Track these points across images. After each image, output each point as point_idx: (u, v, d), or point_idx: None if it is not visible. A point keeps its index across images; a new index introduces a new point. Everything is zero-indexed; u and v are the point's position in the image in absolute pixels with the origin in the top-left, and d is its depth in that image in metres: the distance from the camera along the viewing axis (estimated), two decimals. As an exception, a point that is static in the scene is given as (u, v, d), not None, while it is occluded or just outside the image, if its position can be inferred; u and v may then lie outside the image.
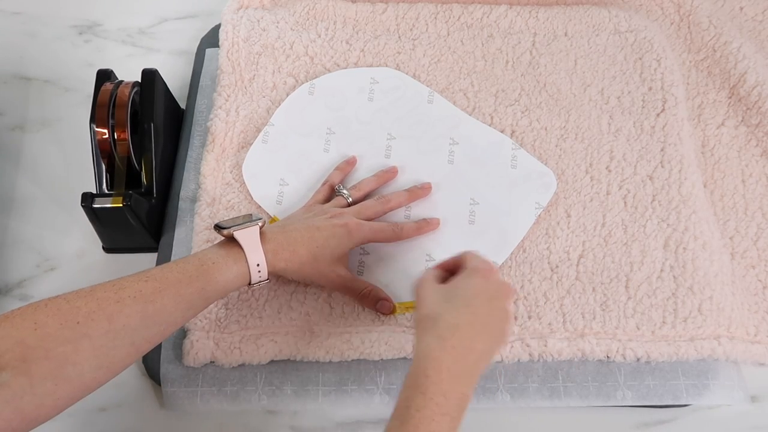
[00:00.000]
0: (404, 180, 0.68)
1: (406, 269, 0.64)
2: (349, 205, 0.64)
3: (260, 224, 0.55)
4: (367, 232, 0.61)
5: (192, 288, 0.51)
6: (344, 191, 0.64)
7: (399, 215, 0.66)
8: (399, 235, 0.63)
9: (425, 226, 0.65)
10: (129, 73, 0.69)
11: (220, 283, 0.52)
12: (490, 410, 0.60)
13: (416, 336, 0.49)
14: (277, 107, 0.72)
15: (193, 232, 0.65)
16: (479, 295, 0.50)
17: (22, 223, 0.70)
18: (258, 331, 0.60)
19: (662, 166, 0.68)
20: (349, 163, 0.68)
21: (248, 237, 0.54)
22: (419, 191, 0.67)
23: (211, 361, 0.60)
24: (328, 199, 0.65)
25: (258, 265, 0.54)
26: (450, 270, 0.54)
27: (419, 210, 0.67)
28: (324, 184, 0.66)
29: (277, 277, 0.61)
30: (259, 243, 0.54)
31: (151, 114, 0.65)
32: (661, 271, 0.63)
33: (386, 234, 0.62)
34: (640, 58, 0.75)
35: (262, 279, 0.55)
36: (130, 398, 0.61)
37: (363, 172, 0.69)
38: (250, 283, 0.55)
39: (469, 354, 0.48)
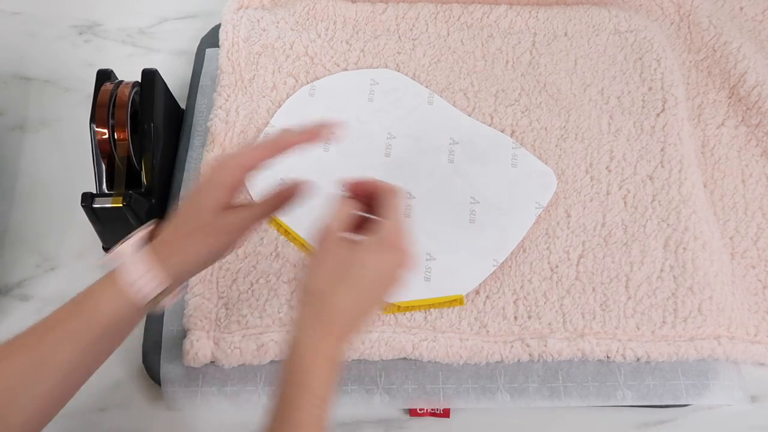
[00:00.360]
0: (404, 179, 0.68)
1: (406, 269, 0.64)
2: None
3: (143, 233, 0.48)
4: (239, 157, 0.50)
5: (75, 324, 0.45)
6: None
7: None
8: (277, 142, 0.52)
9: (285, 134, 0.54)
10: (129, 73, 0.69)
11: (102, 310, 0.45)
12: (490, 410, 0.60)
13: (298, 306, 0.44)
14: (277, 107, 0.72)
15: (193, 232, 0.65)
16: (381, 279, 0.45)
17: (22, 223, 0.70)
18: (258, 330, 0.60)
19: (662, 166, 0.68)
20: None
21: (122, 250, 0.47)
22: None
23: (211, 361, 0.60)
24: None
25: (140, 277, 0.45)
26: (364, 197, 0.48)
27: (419, 208, 0.67)
28: None
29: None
30: (133, 252, 0.47)
31: (151, 114, 0.65)
32: (661, 271, 0.63)
33: (257, 149, 0.51)
34: (640, 58, 0.75)
35: (156, 289, 0.46)
36: (130, 398, 0.61)
37: (363, 171, 0.69)
38: (148, 302, 0.46)
39: (350, 336, 0.45)
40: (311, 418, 0.42)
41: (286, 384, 0.43)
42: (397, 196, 0.48)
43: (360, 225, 0.48)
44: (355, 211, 0.48)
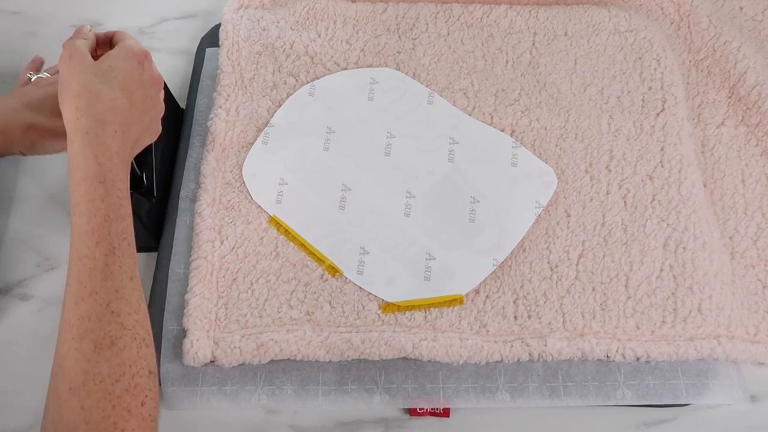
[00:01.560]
0: (404, 179, 0.68)
1: (406, 268, 0.64)
2: None
3: None
4: (64, 58, 0.52)
5: None
6: (43, 74, 0.59)
7: (400, 205, 0.66)
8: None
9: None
10: (129, 72, 0.68)
11: None
12: (490, 410, 0.60)
13: (67, 112, 0.46)
14: (277, 107, 0.72)
15: (193, 232, 0.65)
16: (134, 80, 0.49)
17: (22, 223, 0.70)
18: (258, 330, 0.60)
19: (662, 166, 0.68)
20: (35, 61, 0.63)
21: None
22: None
23: (211, 361, 0.60)
24: None
25: None
26: (101, 42, 0.53)
27: (419, 208, 0.67)
28: (18, 82, 0.61)
29: None
30: None
31: (151, 114, 0.65)
32: (661, 270, 0.63)
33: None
34: (640, 58, 0.75)
35: None
36: (130, 398, 0.61)
37: (363, 170, 0.69)
38: None
39: (127, 139, 0.48)
40: (116, 206, 0.46)
41: (78, 179, 0.45)
42: (121, 31, 0.54)
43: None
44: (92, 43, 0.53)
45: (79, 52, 0.49)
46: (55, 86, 0.53)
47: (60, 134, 0.54)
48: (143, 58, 0.51)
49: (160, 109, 0.52)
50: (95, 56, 0.52)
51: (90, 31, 0.56)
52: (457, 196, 0.67)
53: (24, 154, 0.57)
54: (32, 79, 0.59)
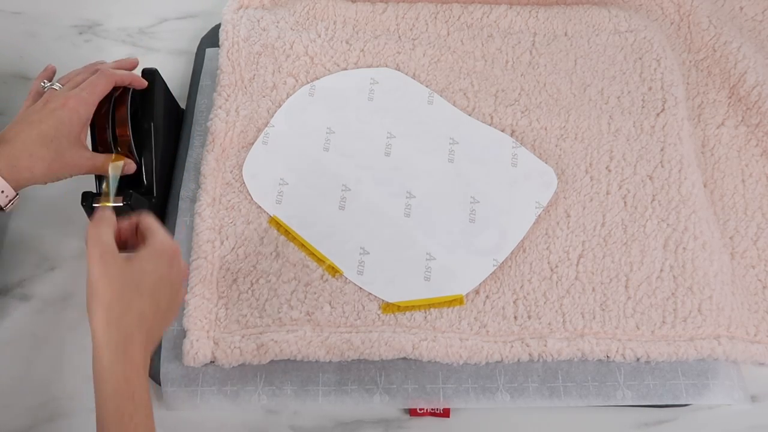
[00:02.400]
0: (404, 179, 0.68)
1: (406, 269, 0.64)
2: None
3: None
4: (86, 95, 0.58)
5: None
6: (54, 85, 0.60)
7: (400, 205, 0.66)
8: (109, 74, 0.60)
9: (125, 61, 0.64)
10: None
11: None
12: (490, 410, 0.60)
13: (96, 322, 0.45)
14: (277, 107, 0.72)
15: (193, 232, 0.65)
16: (164, 283, 0.49)
17: (22, 223, 0.70)
18: (258, 330, 0.60)
19: (662, 166, 0.68)
20: (48, 70, 0.63)
21: None
22: (123, 62, 0.64)
23: (211, 361, 0.60)
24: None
25: (1, 190, 0.52)
26: (124, 230, 0.52)
27: (419, 208, 0.67)
28: (29, 93, 0.61)
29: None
30: None
31: (151, 114, 0.65)
32: (661, 271, 0.63)
33: (99, 81, 0.59)
34: (640, 58, 0.75)
35: (11, 198, 0.54)
36: (130, 398, 0.61)
37: (363, 171, 0.69)
38: (2, 208, 0.54)
39: (151, 344, 0.49)
40: (143, 425, 0.45)
41: (107, 394, 0.45)
42: (147, 217, 0.52)
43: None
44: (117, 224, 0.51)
45: (109, 251, 0.47)
46: (65, 111, 0.56)
47: (78, 165, 0.57)
48: (173, 256, 0.51)
49: (181, 303, 0.53)
50: (119, 240, 0.50)
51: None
52: (457, 197, 0.67)
53: (45, 183, 0.58)
54: (45, 88, 0.60)
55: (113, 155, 0.61)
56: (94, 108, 0.59)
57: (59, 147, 0.56)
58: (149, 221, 0.52)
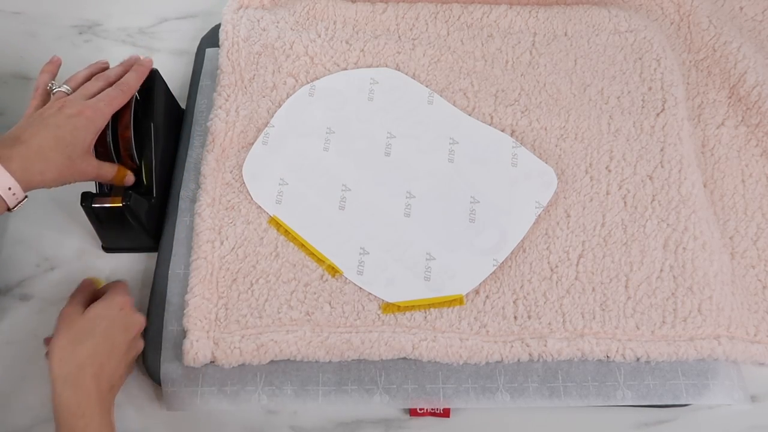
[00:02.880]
0: (404, 179, 0.68)
1: (406, 269, 0.64)
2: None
3: None
4: (103, 106, 0.58)
5: None
6: (62, 87, 0.60)
7: (400, 205, 0.66)
8: (126, 89, 0.61)
9: (139, 68, 0.64)
10: (129, 73, 0.69)
11: None
12: (490, 410, 0.60)
13: (53, 362, 0.52)
14: (277, 107, 0.72)
15: (193, 233, 0.65)
16: (116, 326, 0.56)
17: (22, 223, 0.70)
18: (258, 330, 0.60)
19: (662, 166, 0.68)
20: (53, 63, 0.64)
21: None
22: (138, 66, 0.64)
23: (211, 361, 0.60)
24: (45, 103, 0.60)
25: (10, 188, 0.52)
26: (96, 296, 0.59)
27: (419, 206, 0.67)
28: (35, 90, 0.61)
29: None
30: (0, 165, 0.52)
31: (151, 114, 0.65)
32: (661, 271, 0.63)
33: (117, 95, 0.60)
34: (640, 58, 0.75)
35: (19, 200, 0.54)
36: (130, 398, 0.61)
37: (363, 171, 0.69)
38: (9, 209, 0.54)
39: (109, 377, 0.54)
40: None
41: (62, 417, 0.51)
42: (117, 283, 0.62)
43: None
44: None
45: (74, 311, 0.56)
46: (81, 119, 0.57)
47: (86, 173, 0.59)
48: (123, 305, 0.57)
49: (141, 347, 0.59)
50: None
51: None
52: (457, 197, 0.67)
53: (51, 187, 0.59)
54: (53, 90, 0.60)
55: (117, 167, 0.62)
56: (108, 120, 0.60)
57: (72, 153, 0.56)
58: (116, 285, 0.60)
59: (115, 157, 0.64)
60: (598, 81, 0.74)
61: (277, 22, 0.77)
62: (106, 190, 0.64)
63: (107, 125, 0.62)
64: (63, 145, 0.55)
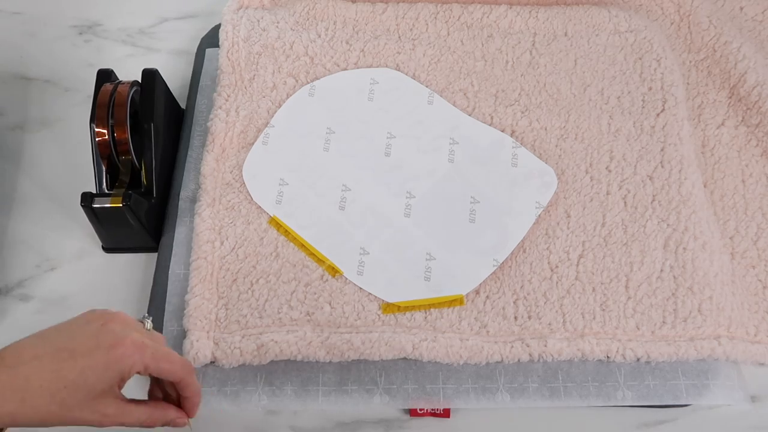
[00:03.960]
0: (404, 179, 0.68)
1: (406, 269, 0.64)
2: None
3: None
4: (149, 359, 0.45)
5: None
6: (148, 320, 0.49)
7: (400, 205, 0.66)
8: (190, 376, 0.49)
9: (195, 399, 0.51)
10: (129, 73, 0.69)
11: None
12: (491, 410, 0.60)
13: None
14: (277, 107, 0.72)
15: (193, 233, 0.65)
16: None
17: (22, 223, 0.70)
18: (258, 331, 0.60)
19: (662, 166, 0.68)
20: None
21: None
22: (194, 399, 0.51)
23: (211, 362, 0.60)
24: None
25: None
26: None
27: (419, 208, 0.67)
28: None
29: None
30: None
31: (151, 114, 0.65)
32: (661, 271, 0.63)
33: (177, 363, 0.47)
34: (640, 58, 0.75)
35: None
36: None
37: (363, 171, 0.69)
38: None
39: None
40: None
41: None
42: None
43: None
44: None
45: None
46: (112, 354, 0.45)
47: (88, 421, 0.45)
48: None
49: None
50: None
51: None
52: (458, 197, 0.67)
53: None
54: (147, 327, 0.49)
55: (142, 414, 0.48)
56: (145, 371, 0.46)
57: (70, 402, 0.43)
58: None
59: (116, 158, 0.64)
60: (598, 81, 0.74)
61: (277, 22, 0.77)
62: (105, 190, 0.64)
63: (109, 128, 0.62)
64: (60, 385, 0.42)
